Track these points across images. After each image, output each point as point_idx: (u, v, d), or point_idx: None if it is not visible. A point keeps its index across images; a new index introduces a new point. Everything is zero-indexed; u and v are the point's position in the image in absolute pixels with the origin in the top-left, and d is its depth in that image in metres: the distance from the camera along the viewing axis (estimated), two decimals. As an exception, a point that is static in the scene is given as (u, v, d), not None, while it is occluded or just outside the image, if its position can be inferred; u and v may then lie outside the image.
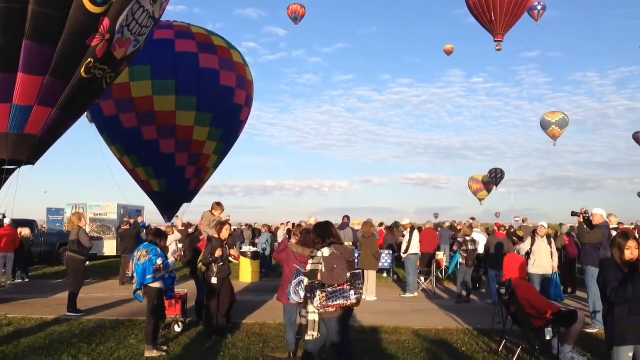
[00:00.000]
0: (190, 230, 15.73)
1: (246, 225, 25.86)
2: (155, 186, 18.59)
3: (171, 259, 11.55)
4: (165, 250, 7.94)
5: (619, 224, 12.02)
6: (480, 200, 50.35)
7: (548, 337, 6.80)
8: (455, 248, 13.15)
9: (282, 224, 22.03)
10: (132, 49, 10.49)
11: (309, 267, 5.45)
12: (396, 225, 19.99)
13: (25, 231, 16.55)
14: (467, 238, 12.79)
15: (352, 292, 5.26)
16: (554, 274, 11.25)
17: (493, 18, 28.78)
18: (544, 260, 10.46)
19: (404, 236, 14.54)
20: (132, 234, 15.35)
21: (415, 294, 13.21)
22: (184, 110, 16.92)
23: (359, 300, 5.33)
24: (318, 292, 5.23)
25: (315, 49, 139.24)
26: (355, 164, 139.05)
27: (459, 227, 18.13)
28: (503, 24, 29.17)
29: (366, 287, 12.69)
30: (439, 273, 15.74)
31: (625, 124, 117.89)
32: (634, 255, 4.55)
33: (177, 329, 8.65)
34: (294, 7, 40.65)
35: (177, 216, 19.04)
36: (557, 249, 12.13)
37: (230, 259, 8.66)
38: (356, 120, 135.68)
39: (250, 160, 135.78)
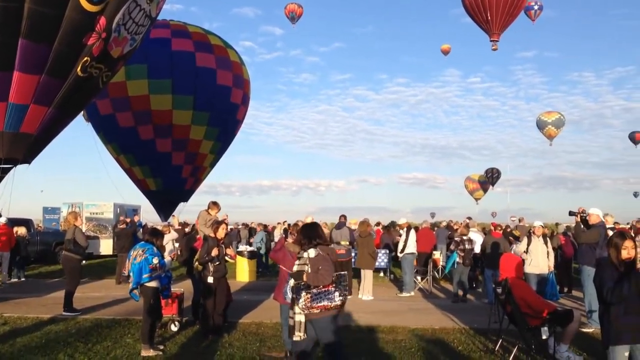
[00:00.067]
0: (186, 230, 15.74)
1: (243, 224, 25.85)
2: (151, 185, 18.56)
3: (167, 258, 11.54)
4: (161, 249, 7.93)
5: (615, 223, 12.02)
6: (477, 199, 50.46)
7: (544, 337, 6.82)
8: (452, 247, 13.17)
9: (278, 223, 22.04)
10: (129, 48, 10.46)
11: (295, 268, 5.47)
12: (393, 224, 20.00)
13: (21, 230, 16.52)
14: (464, 237, 12.82)
15: (337, 293, 5.27)
16: (550, 273, 11.28)
17: (489, 18, 28.79)
18: (540, 260, 10.48)
19: (400, 235, 14.57)
20: (129, 233, 15.33)
21: (412, 294, 13.23)
22: (181, 109, 16.89)
23: (343, 302, 5.34)
24: (303, 293, 5.26)
25: (312, 48, 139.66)
26: (352, 163, 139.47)
27: (455, 227, 18.14)
28: (499, 23, 29.19)
29: (363, 286, 12.71)
30: (436, 272, 15.76)
31: (621, 124, 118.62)
32: (631, 255, 4.56)
33: (174, 328, 8.65)
34: (291, 6, 40.59)
35: (173, 215, 18.99)
36: (553, 249, 12.17)
37: (227, 258, 8.66)
38: (353, 119, 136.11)
39: (247, 160, 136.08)
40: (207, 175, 19.73)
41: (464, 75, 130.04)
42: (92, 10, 8.97)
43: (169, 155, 17.59)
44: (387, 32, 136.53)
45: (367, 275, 12.69)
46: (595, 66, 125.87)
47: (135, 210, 23.19)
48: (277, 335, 7.98)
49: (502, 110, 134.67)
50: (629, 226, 14.64)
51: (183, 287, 10.14)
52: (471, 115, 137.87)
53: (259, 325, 8.97)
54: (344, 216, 14.75)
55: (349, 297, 12.40)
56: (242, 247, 17.59)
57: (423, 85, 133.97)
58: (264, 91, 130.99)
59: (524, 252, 10.49)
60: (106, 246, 22.73)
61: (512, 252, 10.92)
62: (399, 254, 13.84)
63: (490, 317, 8.43)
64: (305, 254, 5.42)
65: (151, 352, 7.14)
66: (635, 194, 58.60)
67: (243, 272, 15.88)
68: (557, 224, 22.89)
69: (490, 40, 30.50)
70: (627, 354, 4.59)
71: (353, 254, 13.57)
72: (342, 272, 5.56)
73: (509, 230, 17.07)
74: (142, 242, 7.78)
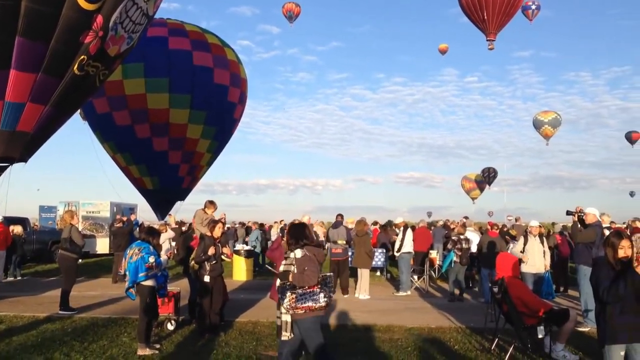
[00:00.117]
0: (183, 229, 15.71)
1: (239, 223, 25.84)
2: (148, 184, 18.54)
3: (164, 257, 11.51)
4: (158, 248, 7.93)
5: (611, 222, 12.06)
6: (473, 199, 50.47)
7: (540, 336, 6.84)
8: (449, 246, 13.19)
9: (275, 222, 22.02)
10: (126, 47, 10.44)
11: (281, 268, 5.49)
12: (390, 223, 20.03)
13: (17, 229, 16.47)
14: (461, 236, 12.84)
15: (322, 294, 5.28)
16: (546, 272, 11.30)
17: (485, 17, 28.85)
18: (536, 259, 10.50)
19: (397, 235, 14.58)
20: (125, 231, 15.31)
21: (409, 293, 13.24)
22: (178, 108, 16.88)
23: (327, 304, 5.35)
24: (288, 293, 5.27)
25: (309, 47, 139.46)
26: (349, 162, 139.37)
27: (452, 226, 18.17)
28: (495, 23, 29.24)
29: (359, 285, 12.73)
30: (432, 272, 15.78)
31: (617, 123, 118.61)
32: (627, 254, 4.57)
33: (170, 327, 8.64)
34: (288, 5, 40.53)
35: (170, 214, 18.98)
36: (550, 248, 12.20)
37: (223, 257, 8.66)
38: (350, 118, 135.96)
39: (244, 159, 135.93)
40: (204, 174, 19.72)
41: (461, 75, 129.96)
42: (89, 8, 8.94)
43: (165, 154, 17.57)
44: (385, 32, 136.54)
45: (363, 274, 12.70)
46: (592, 66, 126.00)
47: (131, 209, 23.19)
48: (274, 335, 7.94)
49: (499, 110, 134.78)
50: (625, 226, 14.66)
51: (179, 286, 10.15)
52: (468, 114, 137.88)
53: (255, 324, 8.98)
54: (341, 215, 14.78)
55: (345, 296, 12.51)
56: (239, 246, 17.58)
57: (420, 84, 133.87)
58: (261, 90, 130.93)
59: (521, 252, 10.51)
60: (102, 245, 22.72)
61: (509, 251, 10.95)
62: (395, 253, 13.86)
63: (486, 316, 8.45)
64: (291, 254, 5.44)
65: (147, 351, 7.13)
66: (632, 194, 58.77)
67: (240, 271, 15.89)
68: (553, 224, 22.93)
69: (487, 40, 30.57)
70: (622, 353, 4.60)
71: (350, 253, 13.57)
72: (328, 274, 5.61)
73: (505, 229, 17.13)
74: (139, 241, 7.77)
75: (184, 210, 24.33)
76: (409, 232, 13.79)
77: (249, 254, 16.42)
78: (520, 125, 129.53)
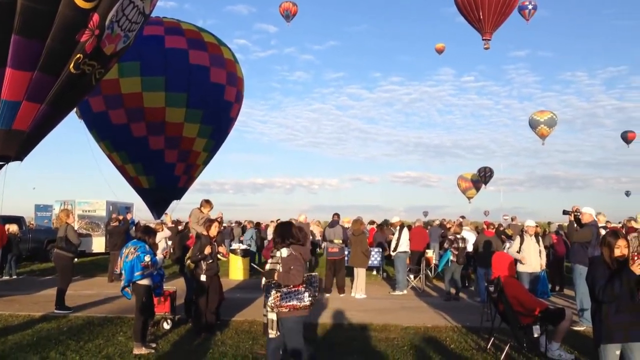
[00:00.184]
0: (179, 228, 15.71)
1: (236, 222, 25.84)
2: (144, 183, 18.48)
3: (160, 256, 11.49)
4: (154, 247, 7.92)
5: (606, 222, 12.09)
6: (469, 198, 50.56)
7: (536, 335, 6.85)
8: (446, 246, 13.21)
9: (271, 221, 22.01)
10: (122, 45, 10.41)
11: (267, 267, 5.55)
12: (386, 223, 20.01)
13: (13, 228, 16.43)
14: (458, 236, 12.86)
15: (307, 294, 5.32)
16: (542, 271, 11.32)
17: (481, 17, 28.87)
18: (532, 259, 10.51)
19: (393, 234, 14.59)
20: (121, 230, 15.29)
21: (405, 292, 13.26)
22: (174, 106, 16.83)
23: (312, 303, 5.38)
24: (273, 292, 5.32)
25: (306, 46, 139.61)
26: (346, 161, 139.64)
27: (448, 225, 18.20)
28: (491, 22, 29.26)
29: (356, 284, 12.74)
30: (428, 271, 15.80)
31: (613, 123, 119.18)
32: (624, 253, 4.59)
33: (166, 326, 8.64)
34: (285, 4, 40.48)
35: (166, 213, 18.95)
36: (545, 247, 12.22)
37: (219, 256, 8.66)
38: (346, 118, 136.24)
39: (241, 158, 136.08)
40: (201, 173, 19.66)
41: (457, 74, 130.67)
42: (85, 7, 8.92)
43: (161, 152, 17.52)
44: (382, 31, 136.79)
45: (360, 273, 12.71)
46: (588, 66, 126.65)
47: (127, 208, 23.14)
48: (270, 334, 7.98)
49: (495, 110, 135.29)
50: (620, 225, 14.69)
51: (176, 285, 10.14)
52: (465, 114, 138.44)
53: (251, 324, 8.97)
54: (337, 214, 14.79)
55: (341, 295, 12.51)
56: (235, 245, 17.57)
57: (417, 84, 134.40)
58: (257, 89, 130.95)
59: (517, 251, 10.52)
60: (98, 244, 22.67)
61: (505, 251, 10.96)
62: (392, 253, 13.88)
63: (482, 315, 8.47)
64: (277, 253, 5.47)
65: (143, 350, 7.13)
66: (627, 193, 59.05)
67: (236, 270, 15.88)
68: (549, 223, 22.96)
69: (483, 39, 30.58)
70: (618, 352, 4.61)
71: (346, 252, 13.58)
72: (313, 274, 5.68)
73: (501, 229, 17.12)
74: (135, 239, 7.76)
75: (180, 209, 24.32)
76: (405, 231, 13.81)
77: (245, 253, 16.41)
78: (517, 124, 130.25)
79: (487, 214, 53.54)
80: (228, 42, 19.29)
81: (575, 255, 9.52)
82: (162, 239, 14.69)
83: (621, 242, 4.63)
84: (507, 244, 12.87)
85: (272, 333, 5.39)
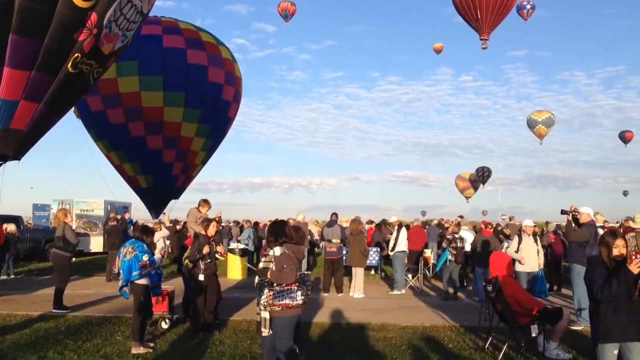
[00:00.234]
0: (177, 227, 15.69)
1: (234, 222, 25.81)
2: (142, 182, 18.47)
3: (158, 256, 11.50)
4: (152, 246, 7.91)
5: (604, 222, 12.10)
6: (467, 198, 50.60)
7: (534, 334, 6.86)
8: (444, 245, 13.22)
9: (269, 220, 21.96)
10: (120, 44, 10.40)
11: (260, 265, 5.55)
12: (384, 222, 20.02)
13: (10, 227, 16.41)
14: (456, 235, 12.87)
15: (299, 293, 5.32)
16: (540, 270, 11.33)
17: (479, 16, 28.91)
18: (530, 258, 10.52)
19: (391, 233, 14.59)
20: (119, 230, 15.28)
21: (403, 291, 13.26)
22: (172, 106, 16.81)
23: (305, 302, 5.38)
24: (265, 290, 5.32)
25: (304, 45, 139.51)
26: (344, 161, 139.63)
27: (446, 225, 18.20)
28: (488, 22, 29.31)
29: (354, 284, 12.74)
30: (427, 270, 15.81)
31: (611, 123, 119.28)
32: (622, 253, 4.59)
33: (164, 325, 8.63)
34: (284, 4, 40.43)
35: (164, 213, 18.93)
36: (543, 247, 12.23)
37: (217, 255, 8.65)
38: (345, 117, 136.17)
39: (239, 157, 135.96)
40: (199, 172, 19.66)
41: (455, 74, 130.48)
42: (83, 6, 8.90)
43: (159, 152, 17.50)
44: (380, 31, 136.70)
45: (358, 273, 12.71)
46: (586, 65, 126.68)
47: (125, 208, 23.12)
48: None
49: (493, 109, 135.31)
50: (618, 225, 14.71)
51: (174, 285, 10.13)
52: (463, 113, 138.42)
53: (250, 323, 8.95)
54: (335, 214, 14.81)
55: (339, 294, 12.51)
56: (234, 245, 17.56)
57: (415, 83, 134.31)
58: (255, 88, 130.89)
59: (515, 251, 10.52)
60: (96, 243, 22.63)
61: (503, 250, 10.97)
62: (390, 252, 13.88)
63: (480, 314, 8.47)
64: (271, 252, 5.48)
65: (141, 350, 7.12)
66: (625, 193, 59.11)
67: (234, 269, 15.87)
68: (547, 223, 22.98)
69: (480, 39, 30.64)
70: (616, 352, 4.62)
71: (344, 252, 13.58)
72: (306, 272, 5.67)
73: (499, 228, 17.19)
74: (133, 239, 7.75)
75: (178, 208, 24.30)
76: (404, 231, 13.82)
77: (243, 253, 16.40)
78: (515, 124, 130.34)
79: (485, 213, 53.50)
80: (226, 41, 19.33)
81: (573, 254, 9.53)
82: (160, 239, 14.66)
83: (619, 242, 4.64)
84: (505, 244, 12.91)
85: (265, 331, 5.40)
